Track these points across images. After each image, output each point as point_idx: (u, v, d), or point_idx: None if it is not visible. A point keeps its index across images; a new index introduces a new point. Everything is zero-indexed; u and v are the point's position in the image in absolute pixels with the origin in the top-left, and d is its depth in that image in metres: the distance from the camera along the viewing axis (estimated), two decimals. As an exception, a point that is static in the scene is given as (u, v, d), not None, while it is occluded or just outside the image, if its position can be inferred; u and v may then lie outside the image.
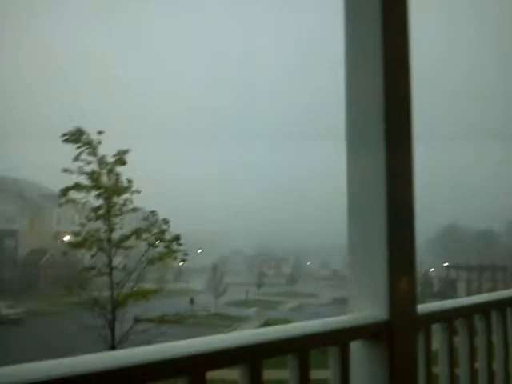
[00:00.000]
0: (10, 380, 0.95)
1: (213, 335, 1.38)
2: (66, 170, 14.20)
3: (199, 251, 15.97)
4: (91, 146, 14.18)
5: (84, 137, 14.15)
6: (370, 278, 1.91)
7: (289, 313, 41.77)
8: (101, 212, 14.20)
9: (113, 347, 13.23)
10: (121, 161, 14.33)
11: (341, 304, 44.06)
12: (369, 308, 1.89)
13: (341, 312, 1.98)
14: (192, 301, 39.09)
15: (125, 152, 14.39)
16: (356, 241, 2.00)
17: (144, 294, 14.32)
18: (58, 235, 55.23)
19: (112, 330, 13.50)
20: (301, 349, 1.57)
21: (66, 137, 14.11)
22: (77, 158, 14.13)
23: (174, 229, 14.86)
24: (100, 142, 14.33)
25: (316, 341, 1.68)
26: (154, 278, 14.93)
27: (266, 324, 30.96)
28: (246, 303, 45.91)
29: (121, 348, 12.97)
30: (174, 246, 14.57)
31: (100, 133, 14.41)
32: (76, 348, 23.61)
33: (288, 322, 34.41)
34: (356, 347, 1.84)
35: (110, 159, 14.43)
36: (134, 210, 14.65)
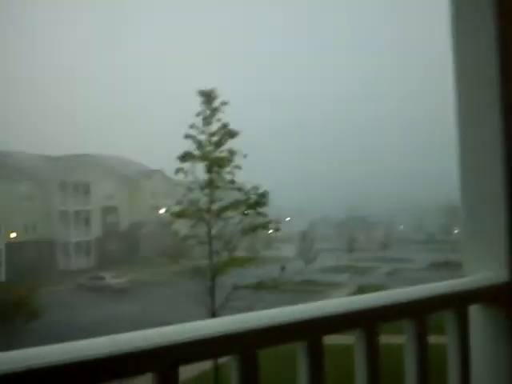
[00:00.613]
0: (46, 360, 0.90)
1: (328, 300, 1.41)
2: (187, 136, 14.26)
3: (287, 219, 15.93)
4: (214, 113, 14.11)
5: (214, 103, 14.09)
6: (488, 237, 1.74)
7: (383, 278, 40.87)
8: (206, 183, 14.33)
9: (213, 313, 13.64)
10: (230, 134, 14.27)
11: (438, 268, 42.39)
12: (487, 269, 1.73)
13: (439, 277, 1.69)
14: (283, 268, 39.54)
15: (234, 133, 14.23)
16: (470, 196, 1.81)
17: (242, 262, 14.54)
18: (154, 208, 58.27)
19: (212, 296, 13.84)
20: (418, 313, 1.53)
21: (202, 98, 14.02)
22: (192, 126, 14.21)
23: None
24: (222, 112, 14.21)
25: (433, 305, 1.62)
26: (245, 247, 15.05)
27: (360, 290, 30.55)
28: (337, 269, 45.66)
29: (221, 314, 13.40)
30: (266, 216, 14.59)
31: (224, 103, 14.32)
32: (179, 313, 24.77)
33: (383, 287, 33.66)
34: (475, 311, 1.70)
35: (219, 132, 14.37)
36: (232, 182, 14.67)
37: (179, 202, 14.66)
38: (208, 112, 14.30)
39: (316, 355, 1.23)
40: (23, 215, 44.99)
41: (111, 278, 37.28)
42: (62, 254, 48.55)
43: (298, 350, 1.23)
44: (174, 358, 1.04)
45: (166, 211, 54.34)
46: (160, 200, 58.42)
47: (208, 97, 14.35)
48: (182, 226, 17.33)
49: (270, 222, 14.82)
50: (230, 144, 14.44)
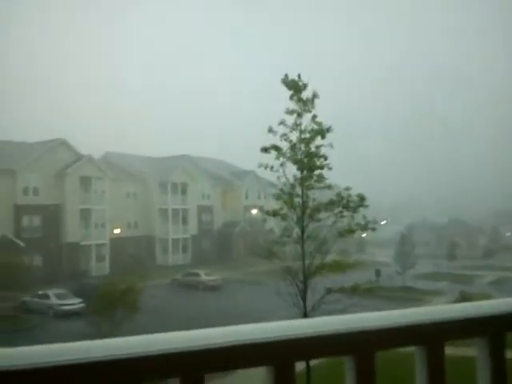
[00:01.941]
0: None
1: (449, 304, 1.29)
2: (270, 130, 14.06)
3: (383, 222, 15.27)
4: (305, 108, 13.75)
5: (303, 95, 13.75)
6: None
7: (487, 287, 38.07)
8: (299, 183, 14.07)
9: (305, 314, 13.44)
10: (322, 131, 13.85)
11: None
12: None
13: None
14: (378, 273, 38.22)
15: (327, 129, 13.80)
16: None
17: (340, 266, 14.10)
18: (246, 208, 59.29)
19: (303, 298, 13.63)
20: None
21: (291, 90, 13.77)
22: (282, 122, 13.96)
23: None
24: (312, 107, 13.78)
25: None
26: (338, 250, 14.59)
27: (462, 299, 28.61)
28: (436, 276, 43.29)
29: (312, 316, 13.16)
30: (362, 218, 14.05)
31: (315, 96, 13.96)
32: (271, 312, 24.75)
33: (487, 297, 31.35)
34: None
35: (311, 128, 14.02)
36: (327, 185, 14.28)
37: (278, 198, 14.40)
38: (299, 107, 13.82)
39: (436, 361, 1.15)
40: (126, 213, 47.74)
41: (205, 275, 38.33)
42: (161, 250, 50.87)
43: (418, 354, 1.16)
44: (289, 353, 0.99)
45: (260, 211, 55.14)
46: (252, 200, 59.33)
47: (296, 87, 13.81)
48: (275, 226, 17.21)
49: (368, 223, 14.14)
50: (322, 141, 13.91)
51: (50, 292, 28.81)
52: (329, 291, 13.82)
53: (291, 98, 13.88)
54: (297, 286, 13.79)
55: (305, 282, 13.74)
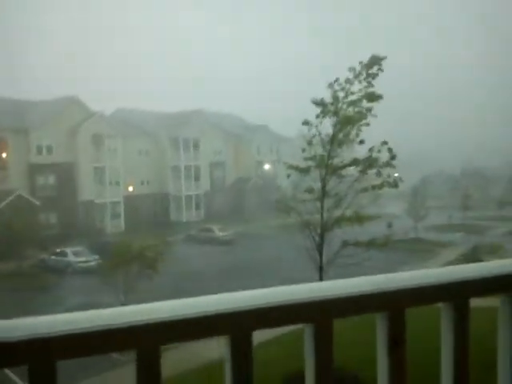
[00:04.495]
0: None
1: (476, 263, 1.30)
2: (330, 85, 13.83)
3: (395, 175, 15.06)
4: (368, 76, 13.55)
5: (373, 69, 13.57)
6: None
7: (501, 238, 38.05)
8: (330, 138, 13.93)
9: (321, 267, 13.63)
10: (372, 97, 13.58)
11: None
12: None
13: None
14: (390, 225, 38.29)
15: (378, 96, 13.52)
16: None
17: (359, 219, 14.14)
18: (258, 164, 59.12)
19: (320, 251, 13.78)
20: None
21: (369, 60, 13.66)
22: (331, 85, 13.74)
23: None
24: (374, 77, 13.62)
25: None
26: (351, 204, 14.54)
27: (474, 250, 28.73)
28: (449, 228, 43.30)
29: (328, 270, 13.37)
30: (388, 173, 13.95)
31: (380, 70, 13.78)
32: (287, 265, 25.07)
33: (500, 248, 31.15)
34: None
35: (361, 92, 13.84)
36: (361, 142, 14.18)
37: (308, 158, 14.32)
38: (363, 73, 13.60)
39: (462, 316, 1.19)
40: (139, 170, 47.97)
41: (219, 231, 38.77)
42: (174, 207, 51.36)
43: (444, 311, 1.20)
44: (248, 323, 1.01)
45: (272, 166, 54.83)
46: (264, 155, 59.06)
47: (373, 61, 13.62)
48: (286, 181, 17.16)
49: (393, 181, 14.05)
50: (366, 105, 13.72)
51: (68, 250, 29.42)
52: (345, 244, 13.92)
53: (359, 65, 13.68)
54: (313, 239, 13.92)
55: (322, 236, 13.86)
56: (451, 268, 1.27)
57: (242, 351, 0.99)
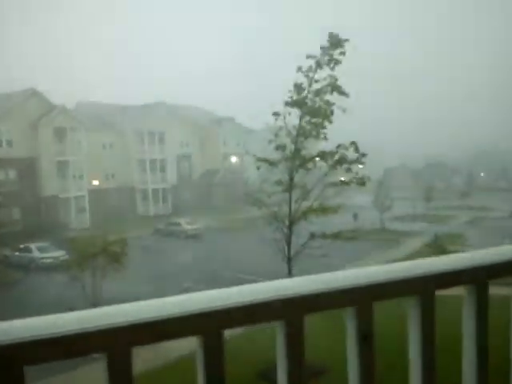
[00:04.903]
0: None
1: (441, 256, 1.35)
2: (299, 69, 13.68)
3: (360, 166, 15.27)
4: (330, 61, 13.52)
5: (337, 50, 13.52)
6: None
7: (462, 227, 39.23)
8: (297, 130, 13.98)
9: (289, 259, 13.79)
10: (335, 87, 13.64)
11: (523, 218, 40.01)
12: None
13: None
14: (356, 216, 38.91)
15: (339, 87, 13.56)
16: None
17: (325, 210, 14.32)
18: (225, 156, 58.96)
19: (288, 243, 13.93)
20: None
21: (328, 41, 13.56)
22: (300, 69, 13.70)
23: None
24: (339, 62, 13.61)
25: None
26: (317, 195, 14.73)
27: (436, 238, 29.48)
28: (413, 218, 44.34)
29: (296, 261, 13.56)
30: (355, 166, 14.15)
31: (342, 53, 13.71)
32: (254, 257, 25.12)
33: (461, 236, 32.20)
34: None
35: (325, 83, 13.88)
36: (325, 138, 14.33)
37: (271, 143, 14.37)
38: (324, 58, 13.60)
39: (428, 309, 1.23)
40: (104, 163, 47.14)
41: (186, 224, 38.55)
42: (141, 201, 50.76)
43: (411, 304, 1.24)
44: (218, 322, 1.03)
45: (238, 158, 54.74)
46: (231, 148, 58.95)
47: (333, 41, 13.60)
48: (253, 174, 17.20)
49: (362, 179, 14.30)
50: (331, 97, 13.79)
51: (33, 245, 28.70)
52: (312, 236, 14.10)
53: (322, 48, 13.65)
54: (282, 231, 14.05)
55: (290, 228, 14.00)
56: (418, 261, 1.30)
57: (213, 351, 1.00)
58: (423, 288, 1.24)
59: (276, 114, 14.07)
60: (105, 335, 0.89)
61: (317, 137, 14.25)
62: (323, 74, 13.83)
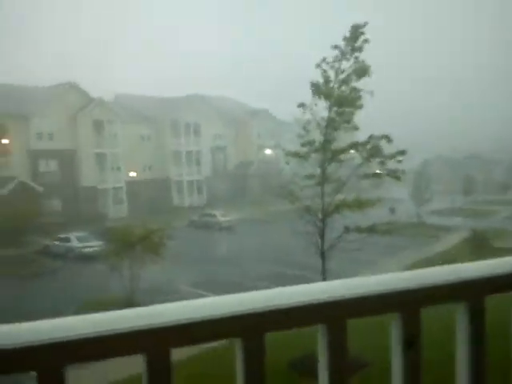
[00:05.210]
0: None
1: (490, 260, 1.26)
2: (318, 66, 13.74)
3: (399, 159, 14.94)
4: (353, 51, 13.46)
5: (359, 41, 13.46)
6: None
7: (503, 222, 38.04)
8: (327, 122, 13.84)
9: (322, 253, 13.65)
10: (362, 71, 13.47)
11: None
12: None
13: None
14: (392, 210, 38.27)
15: (366, 69, 13.40)
16: None
17: (360, 204, 14.10)
18: (259, 148, 58.93)
19: (322, 236, 13.77)
20: None
21: (349, 33, 13.58)
22: (322, 61, 13.65)
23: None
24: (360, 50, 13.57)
25: None
26: (354, 187, 14.48)
27: (474, 233, 28.68)
28: (451, 212, 43.31)
29: (330, 255, 13.42)
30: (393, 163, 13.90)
31: (365, 41, 13.57)
32: (289, 251, 25.06)
33: (502, 232, 31.18)
34: None
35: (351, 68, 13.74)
36: (356, 128, 14.12)
37: (301, 138, 14.27)
38: (348, 48, 13.48)
39: (477, 316, 1.16)
40: (141, 155, 47.87)
41: (221, 216, 38.79)
42: (176, 192, 51.37)
43: (459, 310, 1.17)
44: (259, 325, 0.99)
45: (273, 151, 54.61)
46: (266, 140, 58.85)
47: (355, 32, 13.49)
48: (287, 166, 17.13)
49: (396, 172, 13.99)
50: (358, 83, 13.60)
51: (72, 235, 29.46)
52: (346, 230, 13.90)
53: (344, 39, 13.57)
54: (315, 224, 13.90)
55: (323, 221, 13.84)
56: (467, 265, 1.23)
57: (254, 354, 0.98)
58: (473, 293, 1.17)
59: (302, 106, 13.91)
60: (144, 336, 0.88)
61: (347, 127, 14.02)
62: (347, 64, 13.68)
